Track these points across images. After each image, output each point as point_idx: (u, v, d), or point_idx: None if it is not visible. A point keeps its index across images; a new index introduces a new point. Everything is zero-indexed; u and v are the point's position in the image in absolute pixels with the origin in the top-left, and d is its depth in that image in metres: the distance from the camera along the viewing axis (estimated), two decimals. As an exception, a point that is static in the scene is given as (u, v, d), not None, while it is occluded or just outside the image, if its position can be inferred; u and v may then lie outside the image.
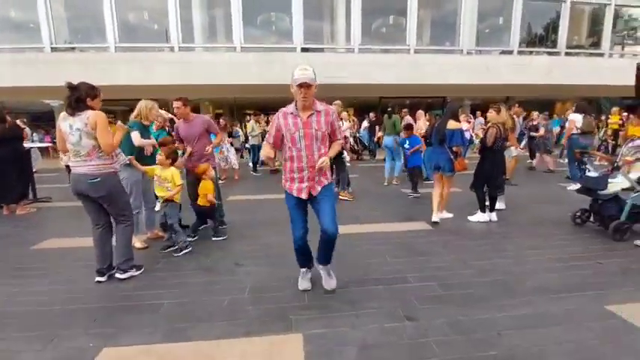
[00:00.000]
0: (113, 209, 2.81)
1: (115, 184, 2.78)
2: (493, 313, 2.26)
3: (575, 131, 5.69)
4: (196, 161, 3.79)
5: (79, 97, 2.58)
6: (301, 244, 2.45)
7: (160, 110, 3.64)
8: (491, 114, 4.36)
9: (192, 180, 3.92)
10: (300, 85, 2.13)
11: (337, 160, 5.62)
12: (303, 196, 2.33)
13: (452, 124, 4.25)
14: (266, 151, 2.44)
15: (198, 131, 3.81)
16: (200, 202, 3.66)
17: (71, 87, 2.58)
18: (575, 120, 5.82)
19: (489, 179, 4.30)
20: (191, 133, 3.79)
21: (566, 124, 6.59)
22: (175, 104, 3.73)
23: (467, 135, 7.72)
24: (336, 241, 2.41)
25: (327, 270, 2.60)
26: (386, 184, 6.85)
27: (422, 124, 7.42)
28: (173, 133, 4.09)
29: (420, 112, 7.88)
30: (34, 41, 11.56)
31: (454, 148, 4.24)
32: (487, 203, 4.36)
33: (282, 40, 12.86)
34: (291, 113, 2.28)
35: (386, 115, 7.10)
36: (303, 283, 2.61)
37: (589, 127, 5.52)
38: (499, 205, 4.65)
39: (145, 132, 3.55)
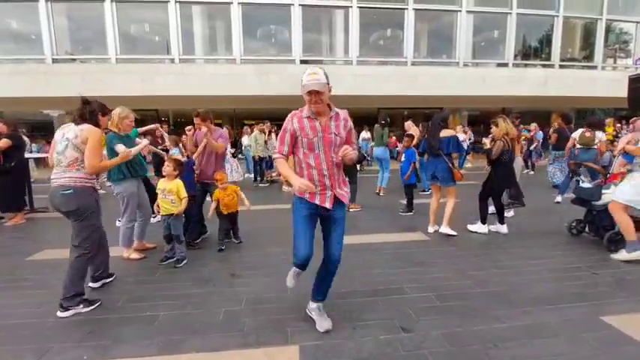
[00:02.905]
0: (75, 229, 2.54)
1: (88, 201, 2.54)
2: (490, 324, 2.26)
3: (577, 146, 5.71)
4: (206, 172, 3.89)
5: (92, 111, 2.62)
6: (302, 267, 2.12)
7: (133, 117, 3.49)
8: (494, 129, 4.20)
9: (200, 192, 3.98)
10: (310, 92, 1.96)
11: (351, 171, 5.53)
12: (328, 205, 2.07)
13: (445, 132, 4.23)
14: (297, 179, 1.96)
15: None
16: (225, 210, 3.81)
17: (85, 101, 2.63)
18: (576, 137, 5.82)
19: (493, 192, 4.24)
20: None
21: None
22: (195, 120, 3.86)
23: (464, 145, 7.69)
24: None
25: (320, 309, 2.30)
26: (377, 191, 6.97)
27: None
28: (184, 139, 4.16)
29: (409, 124, 7.56)
30: (35, 52, 11.70)
31: (452, 155, 4.18)
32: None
33: (281, 52, 13.06)
34: (307, 117, 2.06)
35: (377, 126, 7.12)
36: (292, 281, 2.24)
37: (586, 141, 5.56)
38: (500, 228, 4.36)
39: (126, 141, 3.41)
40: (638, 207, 3.28)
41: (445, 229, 4.25)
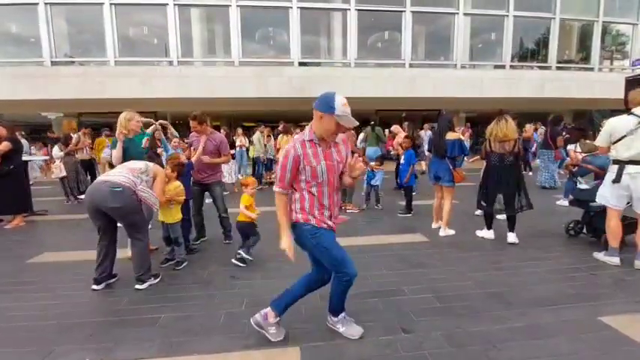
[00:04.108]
0: (128, 227, 2.88)
1: (133, 201, 2.80)
2: (489, 325, 2.27)
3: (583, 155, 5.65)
4: (204, 175, 3.91)
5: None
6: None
7: (140, 118, 3.61)
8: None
9: (198, 192, 3.97)
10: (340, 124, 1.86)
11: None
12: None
13: (450, 135, 4.29)
14: (286, 240, 1.97)
15: (209, 148, 3.89)
16: (239, 217, 3.44)
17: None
18: (575, 150, 5.76)
19: (482, 192, 4.14)
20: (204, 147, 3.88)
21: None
22: (191, 123, 3.83)
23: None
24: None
25: (345, 319, 2.22)
26: (363, 193, 6.86)
27: (400, 140, 6.69)
28: (185, 142, 4.18)
29: (396, 127, 7.44)
30: (34, 55, 11.69)
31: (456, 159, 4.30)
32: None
33: (279, 54, 13.08)
34: (310, 140, 1.92)
35: (369, 128, 7.14)
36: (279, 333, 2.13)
37: (590, 148, 5.52)
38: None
39: (132, 144, 3.52)
40: (619, 206, 3.28)
41: (444, 230, 4.32)
